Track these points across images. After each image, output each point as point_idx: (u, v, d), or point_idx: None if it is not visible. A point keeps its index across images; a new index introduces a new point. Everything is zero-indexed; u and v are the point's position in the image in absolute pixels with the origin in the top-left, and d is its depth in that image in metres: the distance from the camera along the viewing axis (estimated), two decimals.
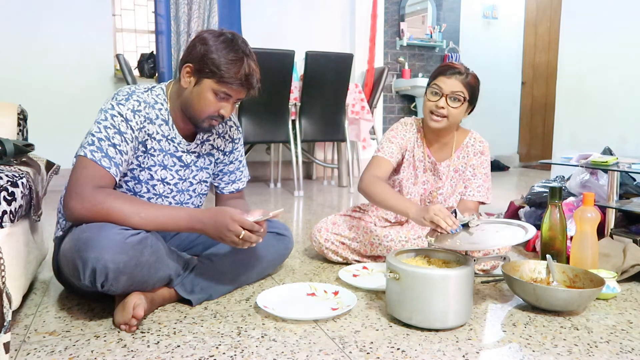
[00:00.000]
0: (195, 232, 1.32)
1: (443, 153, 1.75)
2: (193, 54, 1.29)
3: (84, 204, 1.18)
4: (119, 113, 1.26)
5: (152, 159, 1.36)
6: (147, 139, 1.33)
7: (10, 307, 0.94)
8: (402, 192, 1.75)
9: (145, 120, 1.31)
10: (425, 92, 1.67)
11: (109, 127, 1.24)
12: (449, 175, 1.74)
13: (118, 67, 3.86)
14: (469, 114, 1.68)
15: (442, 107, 1.60)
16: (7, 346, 0.90)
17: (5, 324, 0.90)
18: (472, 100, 1.64)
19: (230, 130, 1.53)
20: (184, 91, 1.33)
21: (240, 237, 1.23)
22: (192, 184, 1.47)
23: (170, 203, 1.43)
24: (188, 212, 1.26)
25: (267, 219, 1.29)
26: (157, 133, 1.35)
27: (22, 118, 1.75)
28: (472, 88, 1.62)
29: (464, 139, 1.75)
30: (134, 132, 1.28)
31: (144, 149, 1.34)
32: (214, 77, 1.27)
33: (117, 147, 1.25)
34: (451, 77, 1.59)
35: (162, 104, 1.36)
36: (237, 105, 3.42)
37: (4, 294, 0.93)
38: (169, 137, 1.37)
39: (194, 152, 1.45)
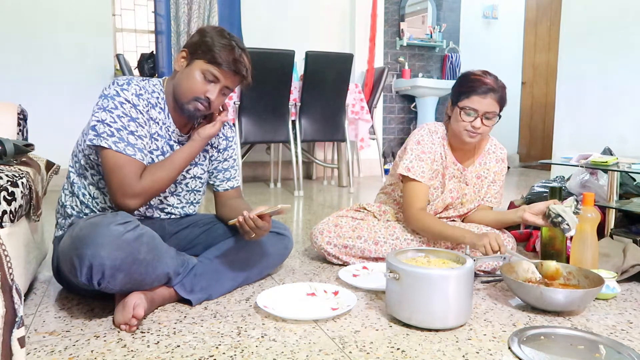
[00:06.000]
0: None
1: (466, 159, 1.76)
2: (189, 42, 1.37)
3: (139, 199, 1.29)
4: (126, 100, 1.29)
5: (155, 143, 1.39)
6: (151, 123, 1.37)
7: (21, 303, 0.93)
8: (429, 200, 1.73)
9: (148, 105, 1.36)
10: (454, 105, 1.63)
11: (122, 116, 1.28)
12: (472, 181, 1.75)
13: (118, 67, 3.86)
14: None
15: (478, 127, 1.58)
16: (22, 341, 0.90)
17: (17, 319, 0.90)
18: (501, 110, 1.62)
19: (223, 128, 1.56)
20: (176, 75, 1.38)
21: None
22: (184, 177, 1.48)
23: None
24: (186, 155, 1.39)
25: (273, 212, 1.29)
26: (158, 119, 1.38)
27: (22, 118, 1.75)
28: (503, 100, 1.60)
29: (485, 145, 1.77)
30: (144, 116, 1.33)
31: (150, 133, 1.37)
32: (204, 57, 1.32)
33: (135, 133, 1.29)
34: (486, 96, 1.56)
35: (159, 93, 1.40)
36: (236, 105, 3.44)
37: (14, 289, 0.93)
38: (166, 125, 1.41)
39: None
